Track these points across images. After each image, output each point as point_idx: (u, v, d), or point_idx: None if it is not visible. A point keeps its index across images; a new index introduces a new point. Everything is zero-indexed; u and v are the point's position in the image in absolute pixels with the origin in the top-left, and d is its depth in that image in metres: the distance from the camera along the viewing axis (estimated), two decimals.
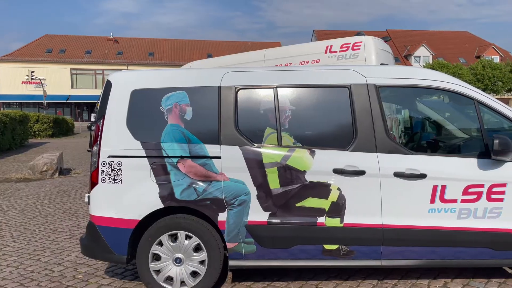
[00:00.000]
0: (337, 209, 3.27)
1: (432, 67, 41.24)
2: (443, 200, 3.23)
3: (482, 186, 3.22)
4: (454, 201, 3.23)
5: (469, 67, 42.05)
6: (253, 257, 3.34)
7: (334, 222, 3.28)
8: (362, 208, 3.27)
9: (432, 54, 52.24)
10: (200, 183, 3.28)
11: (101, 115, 3.40)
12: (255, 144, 3.31)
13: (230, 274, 3.84)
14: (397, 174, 3.24)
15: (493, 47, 54.93)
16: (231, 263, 3.36)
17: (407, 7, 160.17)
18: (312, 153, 3.28)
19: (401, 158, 3.27)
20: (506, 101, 51.93)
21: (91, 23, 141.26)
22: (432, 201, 3.23)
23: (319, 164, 3.27)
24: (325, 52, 6.85)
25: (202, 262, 3.34)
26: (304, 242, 3.30)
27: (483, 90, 40.69)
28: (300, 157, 3.28)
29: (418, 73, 3.48)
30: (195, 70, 3.63)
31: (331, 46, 6.83)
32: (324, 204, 3.27)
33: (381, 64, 6.51)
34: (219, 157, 3.28)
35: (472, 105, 3.36)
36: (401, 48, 56.15)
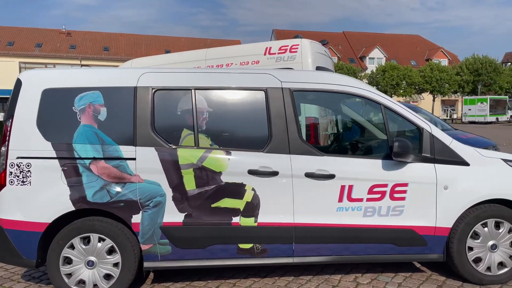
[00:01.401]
0: (252, 209, 3.35)
1: (384, 68, 42.90)
2: (350, 199, 3.40)
3: (385, 185, 3.42)
4: (360, 200, 3.41)
5: (418, 69, 44.11)
6: (168, 258, 3.36)
7: (249, 221, 3.37)
8: (275, 208, 3.38)
9: (385, 56, 54.27)
10: (114, 185, 3.26)
11: (10, 115, 3.29)
12: (172, 146, 3.33)
13: (151, 275, 3.84)
14: (308, 175, 3.37)
15: (441, 51, 57.91)
16: (146, 264, 3.37)
17: (365, 10, 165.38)
18: (228, 154, 3.35)
19: (312, 159, 3.41)
20: (453, 102, 54.98)
21: (45, 15, 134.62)
22: (340, 200, 3.40)
23: (234, 165, 3.34)
24: (265, 54, 6.96)
25: (116, 265, 3.32)
26: (220, 241, 3.36)
27: (431, 91, 42.89)
28: (216, 159, 3.34)
29: (331, 78, 3.63)
30: (111, 70, 3.59)
31: (270, 47, 6.95)
32: (239, 204, 3.35)
33: (317, 67, 6.72)
34: (134, 159, 3.28)
35: (380, 109, 3.56)
36: (356, 49, 57.91)
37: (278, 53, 6.90)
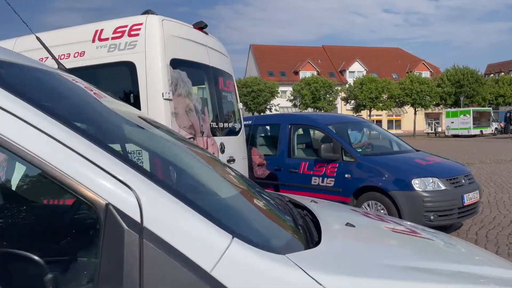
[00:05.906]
0: None
1: (362, 81, 40.88)
2: None
3: None
4: None
5: (398, 82, 42.16)
6: None
7: None
8: None
9: (365, 70, 52.52)
10: None
11: None
12: None
13: None
14: None
15: (423, 63, 56.51)
16: None
17: (349, 27, 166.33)
18: None
19: None
20: (437, 115, 53.22)
21: None
22: None
23: None
24: (93, 40, 4.47)
25: None
26: None
27: (412, 104, 40.70)
28: None
29: None
30: None
31: (102, 30, 4.46)
32: None
33: (173, 59, 4.20)
34: None
35: None
36: (336, 63, 56.28)
37: (112, 39, 4.37)
